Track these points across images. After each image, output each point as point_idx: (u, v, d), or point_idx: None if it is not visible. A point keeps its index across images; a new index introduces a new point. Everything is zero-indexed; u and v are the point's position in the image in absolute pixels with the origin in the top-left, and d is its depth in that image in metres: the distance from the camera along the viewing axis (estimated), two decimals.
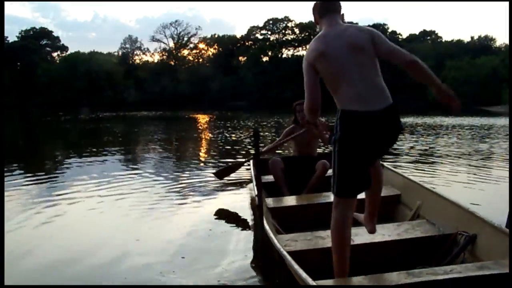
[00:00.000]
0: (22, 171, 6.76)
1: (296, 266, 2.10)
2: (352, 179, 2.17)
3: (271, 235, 2.61)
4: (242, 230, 3.73)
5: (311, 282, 1.86)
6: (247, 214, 4.28)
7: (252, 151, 5.39)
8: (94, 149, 9.74)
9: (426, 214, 3.19)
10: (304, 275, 1.98)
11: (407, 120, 21.47)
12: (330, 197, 2.73)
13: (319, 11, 2.37)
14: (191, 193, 5.08)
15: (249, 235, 3.58)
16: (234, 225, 3.92)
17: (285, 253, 2.34)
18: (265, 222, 2.79)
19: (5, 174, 6.15)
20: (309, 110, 2.29)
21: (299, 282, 2.11)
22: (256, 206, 2.77)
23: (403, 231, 2.87)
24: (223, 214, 4.29)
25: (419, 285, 1.94)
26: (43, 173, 6.59)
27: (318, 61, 2.19)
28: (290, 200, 3.77)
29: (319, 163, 4.28)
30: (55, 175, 6.59)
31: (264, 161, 4.43)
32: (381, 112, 2.11)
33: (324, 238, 2.75)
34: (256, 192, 3.05)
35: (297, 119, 4.57)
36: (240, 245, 3.32)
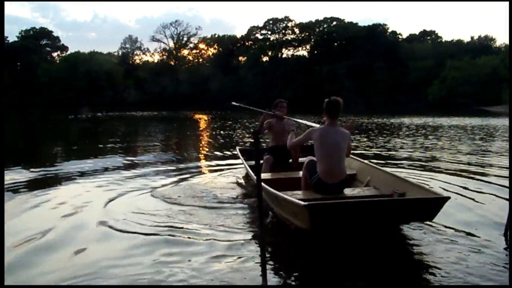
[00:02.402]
0: (21, 171, 6.77)
1: (291, 197, 3.42)
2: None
3: (268, 188, 3.77)
4: (242, 223, 3.76)
5: (302, 202, 3.09)
6: (243, 205, 4.42)
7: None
8: (93, 148, 9.76)
9: (373, 184, 4.44)
10: (296, 200, 3.24)
11: (406, 120, 21.48)
12: (295, 174, 4.84)
13: (327, 110, 4.03)
14: (190, 191, 5.07)
15: (249, 228, 3.60)
16: (234, 217, 3.99)
17: (281, 194, 3.59)
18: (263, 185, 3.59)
19: (5, 174, 6.16)
20: (291, 147, 4.54)
21: (291, 215, 3.47)
22: (257, 206, 2.77)
23: (356, 193, 4.05)
24: (222, 209, 4.29)
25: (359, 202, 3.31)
26: (43, 172, 6.60)
27: (316, 136, 4.01)
28: (271, 175, 5.04)
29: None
30: (55, 174, 6.60)
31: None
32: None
33: (300, 195, 3.97)
34: (255, 181, 3.14)
35: (275, 111, 5.69)
36: (242, 240, 3.33)
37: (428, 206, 3.25)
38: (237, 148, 7.02)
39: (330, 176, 3.93)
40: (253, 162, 5.23)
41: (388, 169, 4.64)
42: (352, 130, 4.59)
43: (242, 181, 5.87)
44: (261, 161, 5.43)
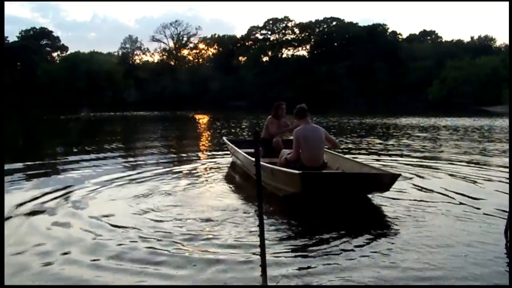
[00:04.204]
0: (21, 170, 6.76)
1: (285, 169, 4.54)
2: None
3: (264, 164, 4.41)
4: (240, 220, 3.76)
5: (296, 171, 4.19)
6: (239, 201, 4.38)
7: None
8: (92, 148, 9.75)
9: (341, 169, 5.32)
10: (291, 170, 4.33)
11: (406, 120, 21.46)
12: (277, 160, 5.46)
13: (299, 114, 5.12)
14: (184, 189, 5.08)
15: (250, 221, 3.61)
16: (232, 214, 3.95)
17: (276, 167, 4.69)
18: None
19: (5, 174, 6.15)
20: (293, 158, 5.04)
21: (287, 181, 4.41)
22: (257, 205, 2.78)
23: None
24: (219, 206, 4.30)
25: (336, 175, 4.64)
26: (43, 172, 6.60)
27: (300, 134, 4.96)
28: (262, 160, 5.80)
29: (278, 144, 6.37)
30: (55, 173, 6.60)
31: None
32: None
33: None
34: (256, 179, 3.12)
35: (278, 113, 6.38)
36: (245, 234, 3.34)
37: (385, 180, 4.43)
38: (224, 138, 7.55)
39: (312, 162, 4.91)
40: (246, 150, 6.22)
41: (352, 157, 5.76)
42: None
43: (236, 175, 6.10)
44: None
